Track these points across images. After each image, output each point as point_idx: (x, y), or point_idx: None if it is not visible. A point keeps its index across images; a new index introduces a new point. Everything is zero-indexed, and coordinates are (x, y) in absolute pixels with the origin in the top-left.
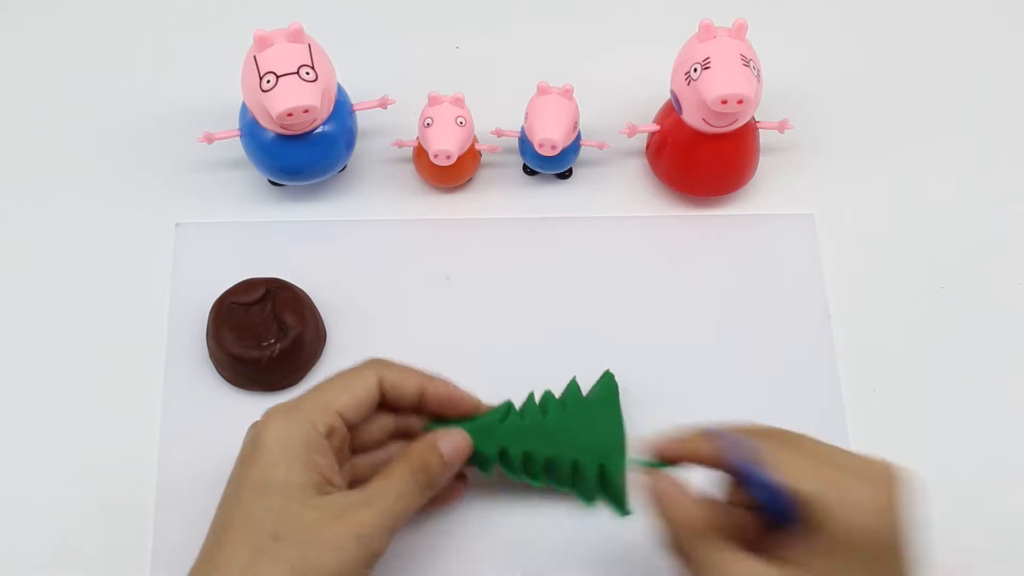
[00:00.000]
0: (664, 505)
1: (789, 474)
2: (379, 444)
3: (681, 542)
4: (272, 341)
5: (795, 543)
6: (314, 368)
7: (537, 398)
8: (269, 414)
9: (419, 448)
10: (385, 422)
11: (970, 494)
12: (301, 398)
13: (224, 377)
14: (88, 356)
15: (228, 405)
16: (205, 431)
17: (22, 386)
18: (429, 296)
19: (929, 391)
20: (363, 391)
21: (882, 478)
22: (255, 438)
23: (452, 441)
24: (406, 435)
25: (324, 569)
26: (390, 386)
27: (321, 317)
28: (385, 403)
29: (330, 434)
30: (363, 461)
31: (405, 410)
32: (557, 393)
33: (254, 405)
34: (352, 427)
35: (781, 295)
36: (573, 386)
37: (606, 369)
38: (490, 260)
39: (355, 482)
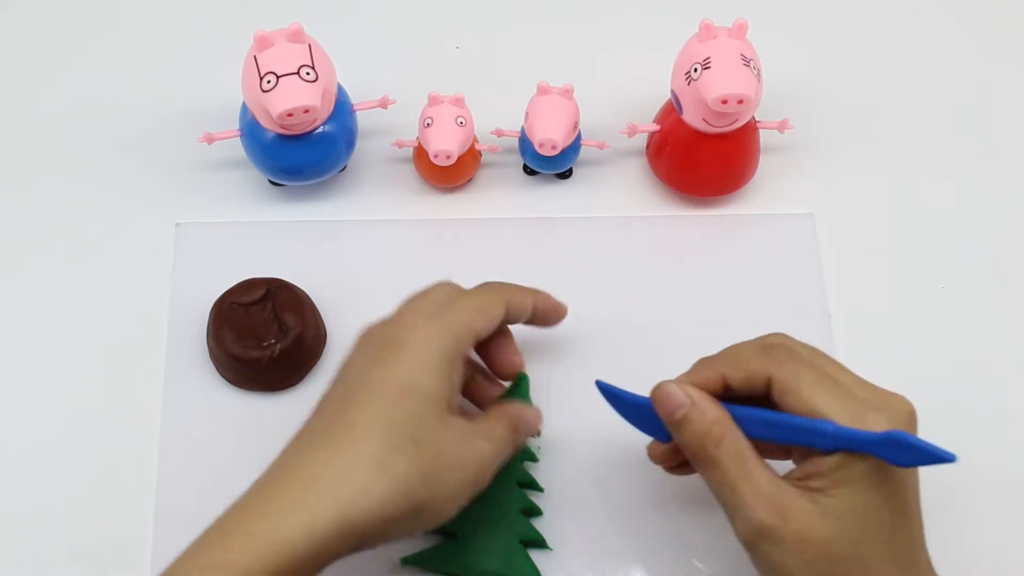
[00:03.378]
0: (684, 416)
1: (811, 400)
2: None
3: (708, 448)
4: (272, 341)
5: (818, 466)
6: (314, 368)
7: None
8: (414, 319)
9: (514, 408)
10: (468, 369)
11: (970, 494)
12: (442, 310)
13: (224, 377)
14: (88, 356)
15: (228, 405)
16: (205, 431)
17: (22, 386)
18: None
19: (929, 391)
20: (496, 316)
21: (901, 413)
22: (398, 340)
23: (533, 413)
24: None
25: (445, 484)
26: (514, 308)
27: (321, 317)
28: (504, 322)
29: (466, 350)
30: None
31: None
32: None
33: (254, 405)
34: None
35: (781, 295)
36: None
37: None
38: (490, 260)
39: None
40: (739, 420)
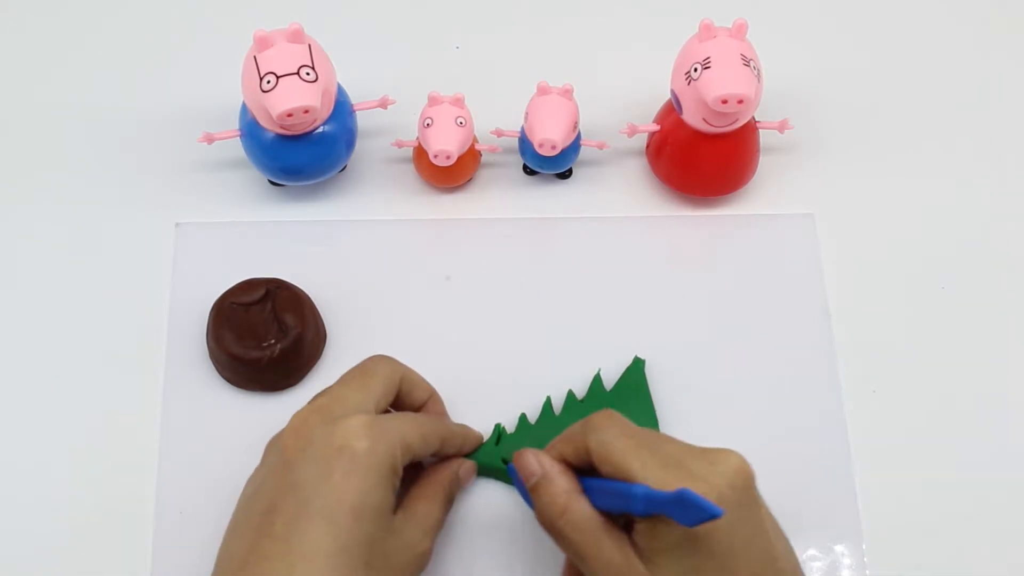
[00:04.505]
0: (535, 485)
1: (624, 465)
2: None
3: (553, 519)
4: (272, 341)
5: (639, 535)
6: (314, 368)
7: (560, 398)
8: (359, 428)
9: (447, 476)
10: None
11: (970, 494)
12: (385, 419)
13: (224, 377)
14: (88, 356)
15: (228, 405)
16: (205, 431)
17: (22, 386)
18: (429, 296)
19: (929, 391)
20: (431, 431)
21: (726, 473)
22: (343, 450)
23: (467, 469)
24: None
25: None
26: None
27: (321, 317)
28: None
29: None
30: None
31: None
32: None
33: (254, 405)
34: None
35: (781, 295)
36: (596, 381)
37: (635, 355)
38: (490, 260)
39: None
40: (589, 491)
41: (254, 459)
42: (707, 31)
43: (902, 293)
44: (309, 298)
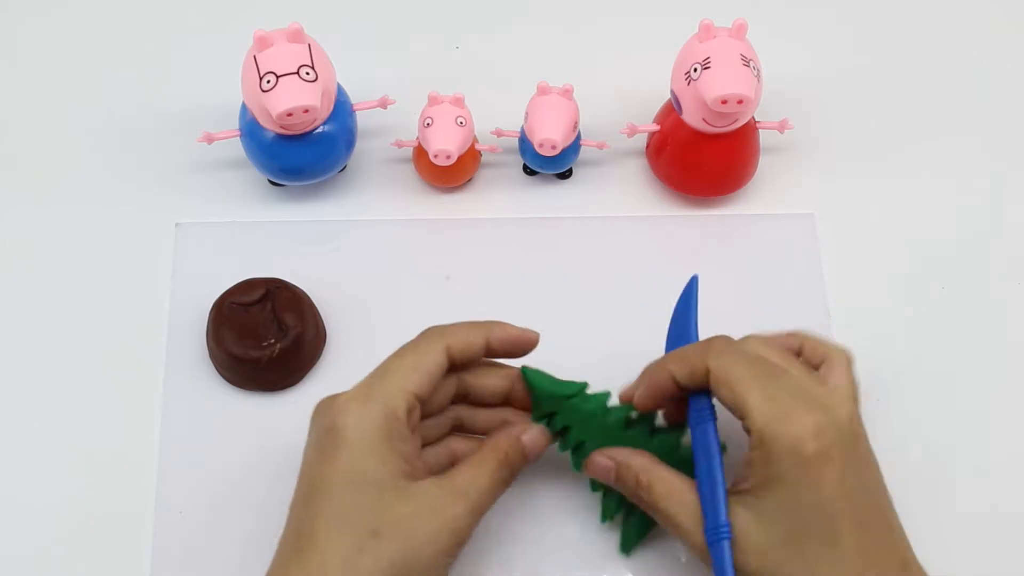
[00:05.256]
0: (617, 476)
1: (741, 394)
2: (443, 408)
3: (641, 497)
4: (272, 341)
5: (762, 462)
6: (314, 368)
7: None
8: (344, 402)
9: (505, 442)
10: (447, 387)
11: (970, 494)
12: (374, 381)
13: (224, 377)
14: (88, 356)
15: (228, 405)
16: (205, 431)
17: (22, 386)
18: (429, 296)
19: (929, 391)
20: (434, 365)
21: (834, 417)
22: (333, 429)
23: (533, 436)
24: (467, 396)
25: (421, 561)
26: (458, 352)
27: (321, 317)
28: (452, 366)
29: (408, 416)
30: (431, 426)
31: (472, 366)
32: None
33: (254, 405)
34: (423, 401)
35: (781, 295)
36: (675, 438)
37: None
38: (490, 260)
39: (425, 446)
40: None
41: (254, 459)
42: (707, 31)
43: (902, 293)
44: (309, 298)
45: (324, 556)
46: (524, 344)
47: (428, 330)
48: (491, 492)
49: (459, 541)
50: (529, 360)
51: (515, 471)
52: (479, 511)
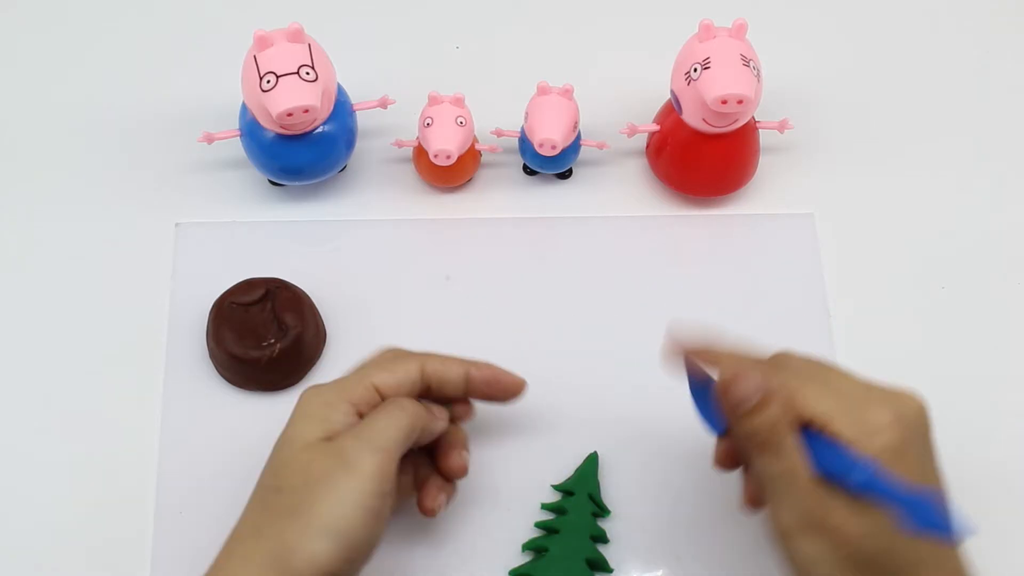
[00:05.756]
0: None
1: (807, 404)
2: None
3: (780, 433)
4: (272, 341)
5: None
6: (314, 368)
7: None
8: (307, 387)
9: (411, 406)
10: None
11: (970, 494)
12: (344, 375)
13: (224, 377)
14: (88, 356)
15: (228, 405)
16: (205, 431)
17: (22, 386)
18: (429, 296)
19: (929, 391)
20: (403, 373)
21: (908, 408)
22: (288, 435)
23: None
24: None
25: (325, 510)
26: (433, 373)
27: (321, 317)
28: (432, 393)
29: (359, 401)
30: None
31: (454, 399)
32: None
33: (254, 405)
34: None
35: (781, 295)
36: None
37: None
38: (490, 260)
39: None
40: (810, 440)
41: (254, 459)
42: (707, 31)
43: (902, 293)
44: (309, 298)
45: (244, 518)
46: (506, 388)
47: (416, 351)
48: (389, 427)
49: (358, 472)
50: (529, 363)
51: (418, 426)
52: (372, 441)
